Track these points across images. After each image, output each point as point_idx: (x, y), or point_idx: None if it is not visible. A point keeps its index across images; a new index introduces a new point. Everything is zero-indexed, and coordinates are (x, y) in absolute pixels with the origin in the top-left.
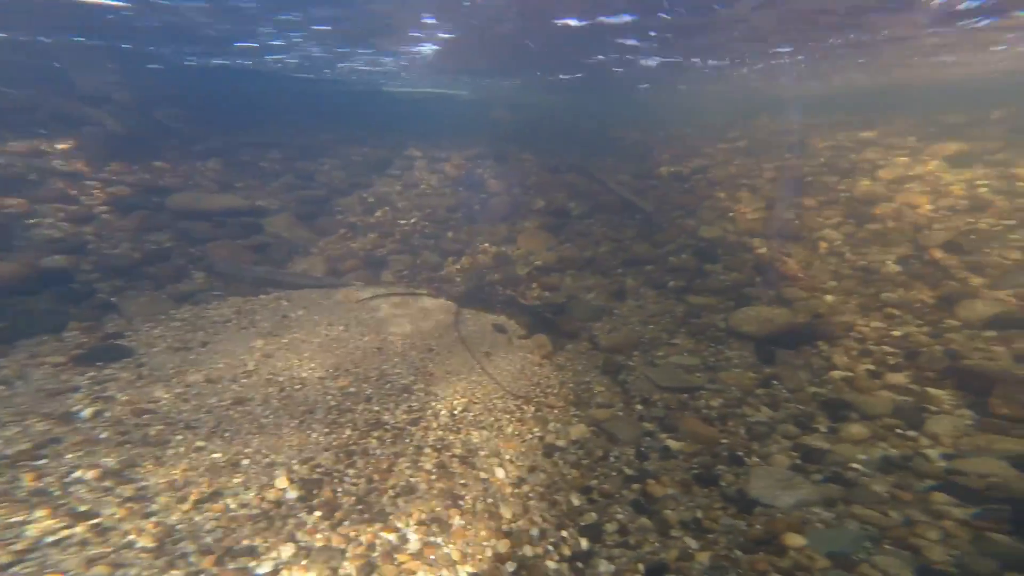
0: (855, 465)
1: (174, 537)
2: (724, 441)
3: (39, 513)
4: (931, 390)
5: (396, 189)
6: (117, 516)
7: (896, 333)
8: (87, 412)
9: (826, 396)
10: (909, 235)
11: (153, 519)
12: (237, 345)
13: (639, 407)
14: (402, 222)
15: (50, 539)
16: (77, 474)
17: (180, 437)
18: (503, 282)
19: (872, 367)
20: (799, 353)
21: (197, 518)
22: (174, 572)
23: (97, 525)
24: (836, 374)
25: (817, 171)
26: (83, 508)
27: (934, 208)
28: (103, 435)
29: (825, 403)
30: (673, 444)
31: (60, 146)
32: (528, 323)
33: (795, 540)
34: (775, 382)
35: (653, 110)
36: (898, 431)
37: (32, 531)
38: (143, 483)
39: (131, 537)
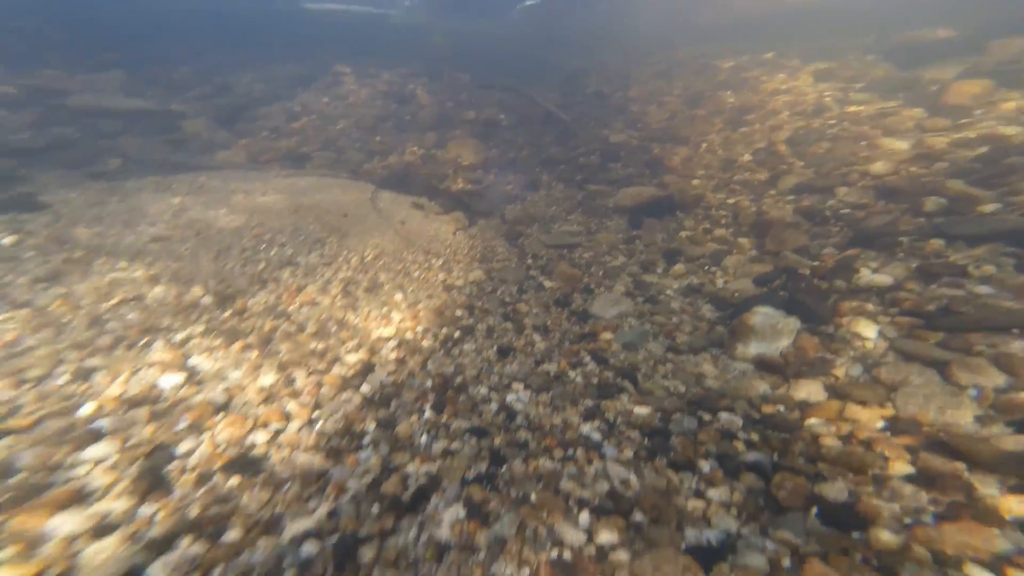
0: (668, 292)
1: (103, 319)
2: (584, 280)
3: None
4: (740, 239)
5: (323, 100)
6: (52, 307)
7: (731, 201)
8: (7, 240)
9: (669, 248)
10: (766, 135)
11: (83, 310)
12: (153, 203)
13: (529, 260)
14: (329, 128)
15: None
16: (7, 279)
17: (102, 260)
18: (428, 176)
19: (707, 226)
20: (661, 221)
21: (122, 309)
22: (104, 338)
23: (38, 311)
24: (683, 233)
25: (716, 87)
26: (22, 299)
27: (790, 113)
28: (28, 255)
29: (666, 252)
30: (547, 283)
31: None
32: (446, 204)
33: (606, 336)
34: (636, 240)
35: (597, 39)
36: (705, 268)
37: None
38: (73, 286)
39: (68, 318)
